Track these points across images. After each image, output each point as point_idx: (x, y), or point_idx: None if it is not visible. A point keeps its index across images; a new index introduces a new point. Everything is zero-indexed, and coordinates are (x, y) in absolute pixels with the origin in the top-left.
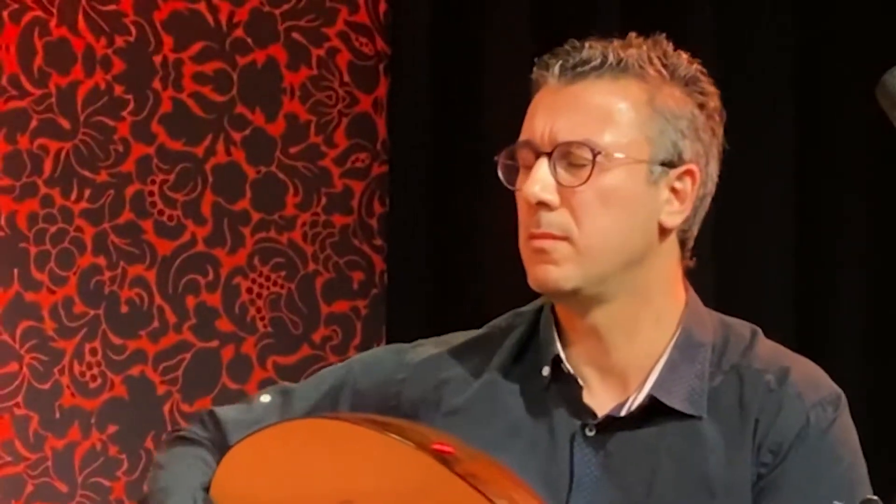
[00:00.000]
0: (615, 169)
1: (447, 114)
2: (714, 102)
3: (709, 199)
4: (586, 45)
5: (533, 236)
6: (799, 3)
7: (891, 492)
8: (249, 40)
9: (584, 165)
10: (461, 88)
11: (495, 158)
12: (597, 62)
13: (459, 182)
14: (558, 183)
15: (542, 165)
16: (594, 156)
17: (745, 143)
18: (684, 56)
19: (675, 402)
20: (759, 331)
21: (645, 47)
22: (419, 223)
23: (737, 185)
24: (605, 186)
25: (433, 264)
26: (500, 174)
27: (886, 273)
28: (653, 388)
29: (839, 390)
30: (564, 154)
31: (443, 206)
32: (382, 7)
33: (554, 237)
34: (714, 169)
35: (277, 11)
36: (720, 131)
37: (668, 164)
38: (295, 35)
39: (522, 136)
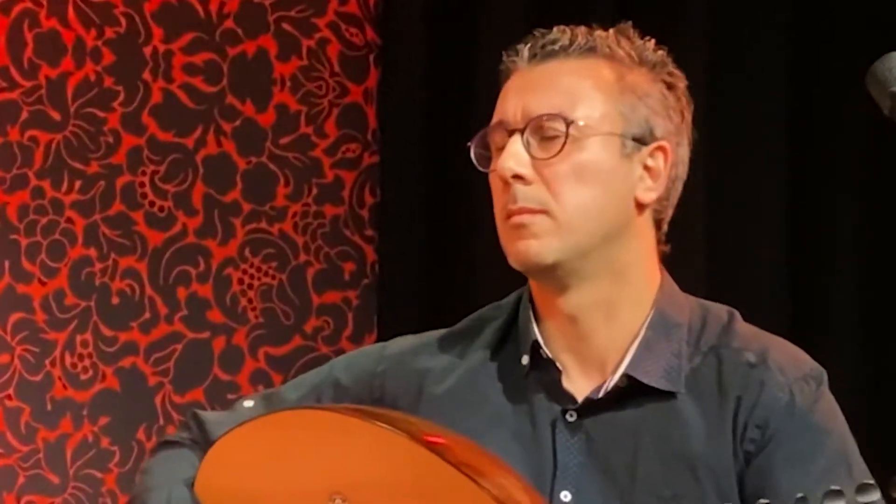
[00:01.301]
0: (588, 140)
1: (438, 104)
2: (682, 85)
3: (681, 184)
4: (554, 29)
5: (511, 213)
6: (795, 2)
7: (887, 482)
8: (239, 31)
9: (556, 137)
10: (452, 78)
11: (467, 144)
12: (565, 42)
13: (450, 172)
14: (532, 157)
15: (516, 141)
16: (567, 126)
17: (739, 140)
18: (651, 42)
19: (651, 379)
20: (737, 313)
21: (612, 31)
22: (410, 213)
23: (731, 183)
24: (579, 159)
25: (424, 255)
26: (472, 159)
27: (882, 270)
28: (628, 366)
29: (821, 367)
30: (537, 128)
31: (434, 197)
32: None
33: (532, 211)
34: (685, 152)
35: (267, 2)
36: (689, 117)
37: (641, 141)
38: (285, 26)
39: (494, 120)
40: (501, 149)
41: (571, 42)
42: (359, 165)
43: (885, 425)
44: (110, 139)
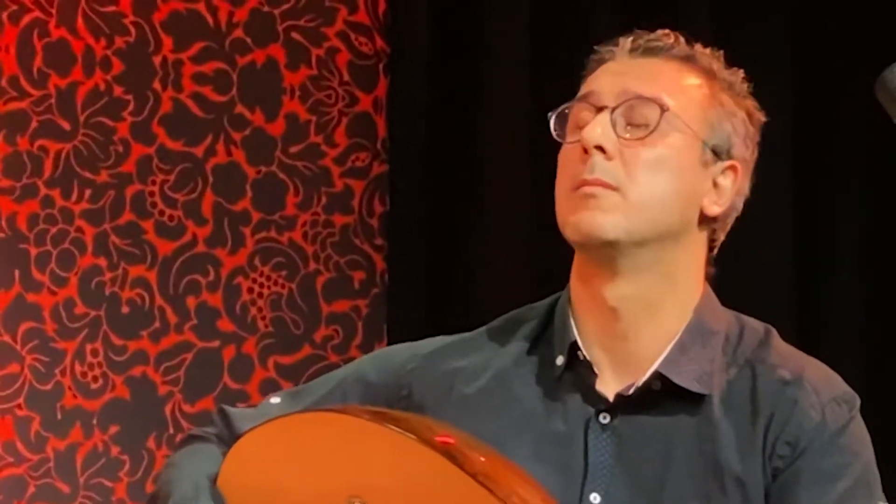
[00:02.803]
0: (673, 135)
1: (447, 113)
2: (759, 119)
3: (735, 215)
4: (658, 31)
5: (585, 182)
6: (800, 4)
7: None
8: (249, 40)
9: (645, 125)
10: (461, 87)
11: (549, 114)
12: (668, 43)
13: (459, 181)
14: (617, 136)
15: (604, 116)
16: (662, 112)
17: None
18: (741, 73)
19: (683, 380)
20: (774, 330)
21: (709, 50)
22: (419, 222)
23: None
24: (662, 149)
25: (433, 263)
26: (552, 127)
27: (887, 276)
28: (661, 365)
29: (854, 393)
30: (629, 110)
31: (443, 205)
32: (382, 6)
33: (606, 185)
34: (747, 186)
35: (277, 11)
36: (755, 156)
37: (718, 155)
38: (294, 35)
39: (580, 96)
40: (581, 126)
41: (673, 46)
42: (368, 174)
43: (890, 430)
44: (120, 148)
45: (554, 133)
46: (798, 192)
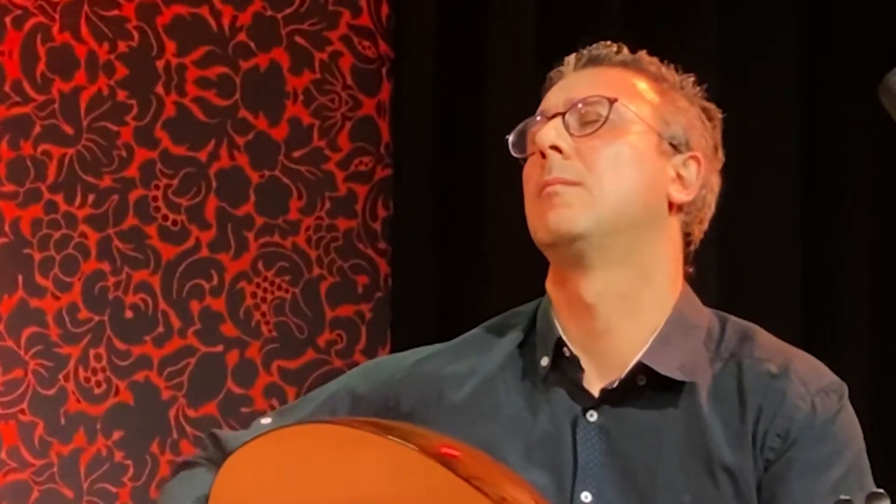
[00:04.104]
0: (628, 127)
1: (450, 116)
2: (717, 118)
3: (708, 213)
4: (600, 42)
5: (545, 184)
6: (803, 6)
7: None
8: (252, 44)
9: (597, 120)
10: (464, 90)
11: (506, 137)
12: (612, 51)
13: (463, 184)
14: (571, 135)
15: (556, 121)
16: (611, 104)
17: (751, 151)
18: (691, 78)
19: (666, 369)
20: (758, 326)
21: (655, 59)
22: (423, 226)
23: (740, 190)
24: (617, 143)
25: (438, 267)
26: (510, 148)
27: (890, 272)
28: (643, 356)
29: (842, 381)
30: (579, 112)
31: (447, 209)
32: (385, 10)
33: (567, 182)
34: (716, 181)
35: (280, 15)
36: (721, 155)
37: (676, 147)
38: (298, 39)
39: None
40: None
41: (617, 53)
42: (371, 178)
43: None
44: (123, 153)
45: (513, 150)
46: (806, 200)
